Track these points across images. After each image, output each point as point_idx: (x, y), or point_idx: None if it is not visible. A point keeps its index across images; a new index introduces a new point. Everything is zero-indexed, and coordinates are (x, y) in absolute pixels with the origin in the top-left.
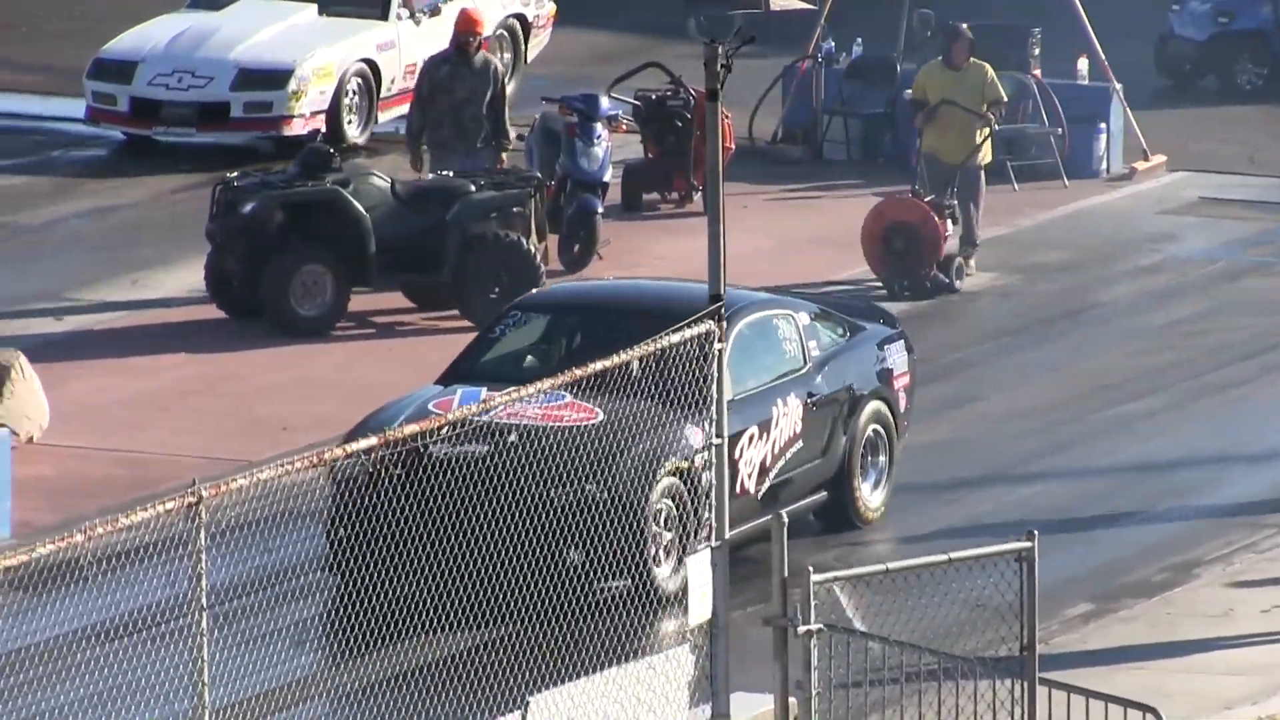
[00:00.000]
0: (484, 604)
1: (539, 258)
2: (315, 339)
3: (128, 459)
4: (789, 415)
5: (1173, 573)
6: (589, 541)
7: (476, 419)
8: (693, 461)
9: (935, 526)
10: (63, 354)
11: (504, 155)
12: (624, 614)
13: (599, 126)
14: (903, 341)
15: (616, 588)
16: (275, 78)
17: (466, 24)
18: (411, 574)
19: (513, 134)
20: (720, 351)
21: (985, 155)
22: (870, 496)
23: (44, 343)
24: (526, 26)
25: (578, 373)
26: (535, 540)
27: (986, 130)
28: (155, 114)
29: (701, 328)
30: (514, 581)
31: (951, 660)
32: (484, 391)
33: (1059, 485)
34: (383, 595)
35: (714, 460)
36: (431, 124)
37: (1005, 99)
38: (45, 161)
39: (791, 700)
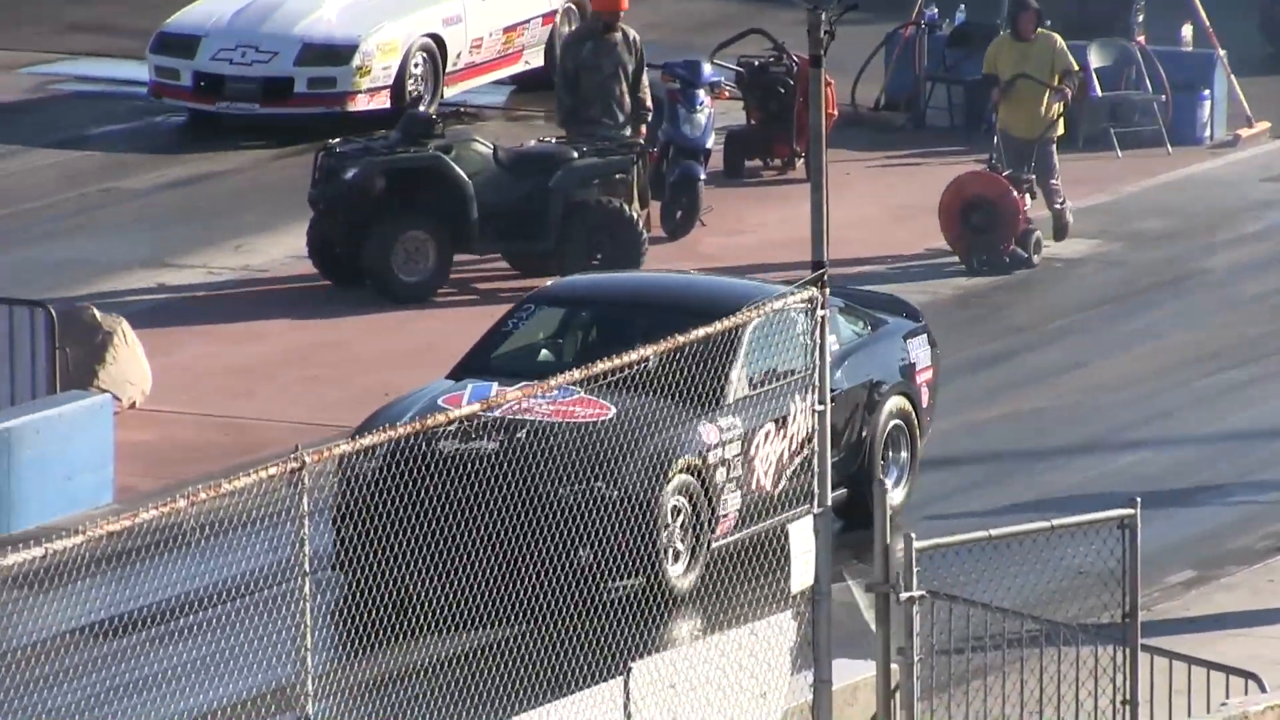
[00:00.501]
0: (493, 603)
1: (641, 224)
2: (417, 305)
3: (229, 425)
4: (806, 411)
5: (1275, 540)
6: (599, 539)
7: (486, 415)
8: (706, 459)
9: (1037, 494)
10: (165, 320)
11: (644, 127)
12: (636, 613)
13: (702, 93)
14: (926, 336)
15: (628, 586)
16: (339, 53)
17: (611, 1)
18: (419, 572)
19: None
20: (824, 319)
21: (1058, 128)
22: (892, 493)
23: (147, 309)
24: None
25: (595, 368)
26: (545, 538)
27: (1061, 103)
28: (218, 89)
29: (806, 294)
30: (523, 580)
31: (1053, 627)
32: (495, 387)
33: (1161, 453)
34: (391, 593)
35: (818, 427)
36: (580, 103)
37: (1076, 68)
38: (148, 127)
39: (893, 666)
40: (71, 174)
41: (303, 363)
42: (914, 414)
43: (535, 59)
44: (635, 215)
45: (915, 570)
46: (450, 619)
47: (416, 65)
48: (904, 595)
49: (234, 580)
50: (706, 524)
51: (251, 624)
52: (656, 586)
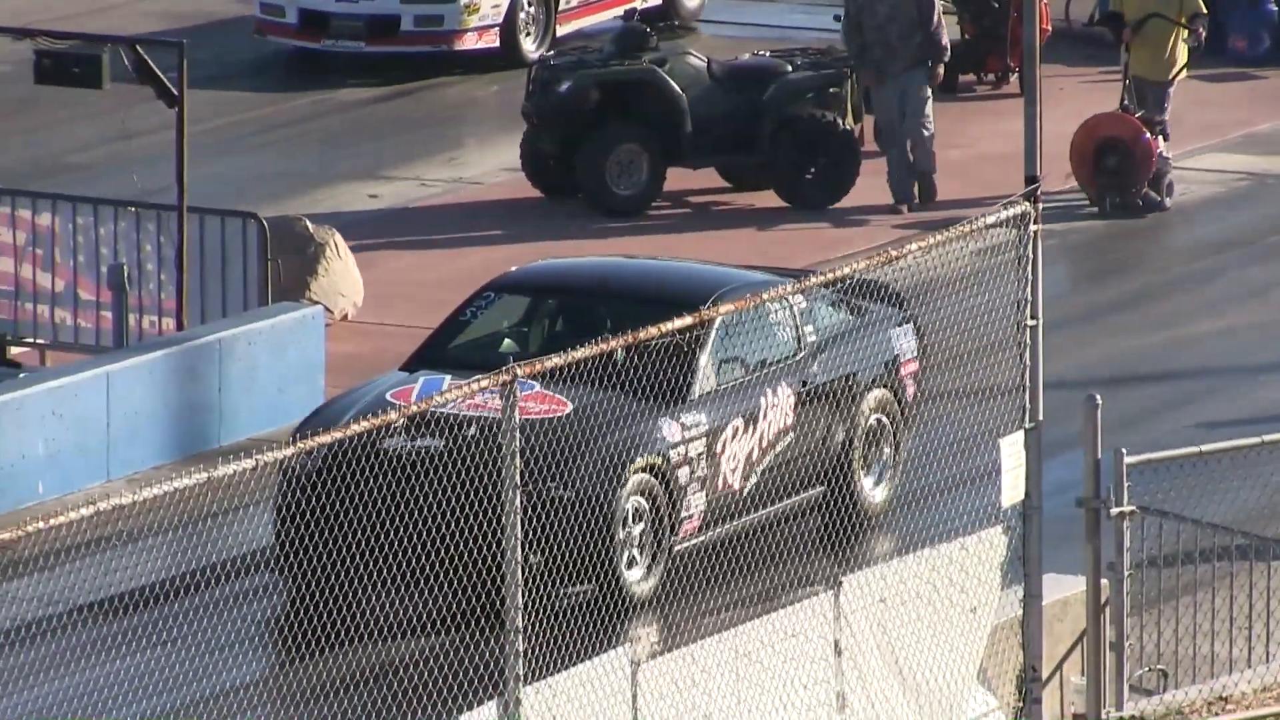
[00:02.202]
0: (438, 608)
1: (854, 139)
2: (630, 218)
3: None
4: (779, 406)
5: None
6: (551, 543)
7: (433, 410)
8: (668, 457)
9: (1242, 412)
10: (377, 232)
11: (940, 70)
12: (591, 620)
13: None
14: (912, 325)
15: (581, 593)
16: None
17: None
18: (362, 575)
19: (947, 46)
20: (1035, 234)
21: (1183, 70)
22: (873, 491)
23: (359, 220)
24: None
25: (547, 362)
26: (493, 541)
27: (1189, 45)
28: (324, 27)
29: (1018, 209)
30: (471, 585)
31: (1263, 543)
32: (448, 380)
33: None
34: (332, 597)
35: (1029, 342)
36: (867, 44)
37: (1205, 11)
38: None
39: (1103, 581)
40: (284, 84)
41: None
42: (898, 408)
43: None
44: (848, 129)
45: (1126, 485)
46: (394, 624)
47: (526, 4)
48: (1114, 510)
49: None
50: (668, 526)
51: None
52: (613, 593)
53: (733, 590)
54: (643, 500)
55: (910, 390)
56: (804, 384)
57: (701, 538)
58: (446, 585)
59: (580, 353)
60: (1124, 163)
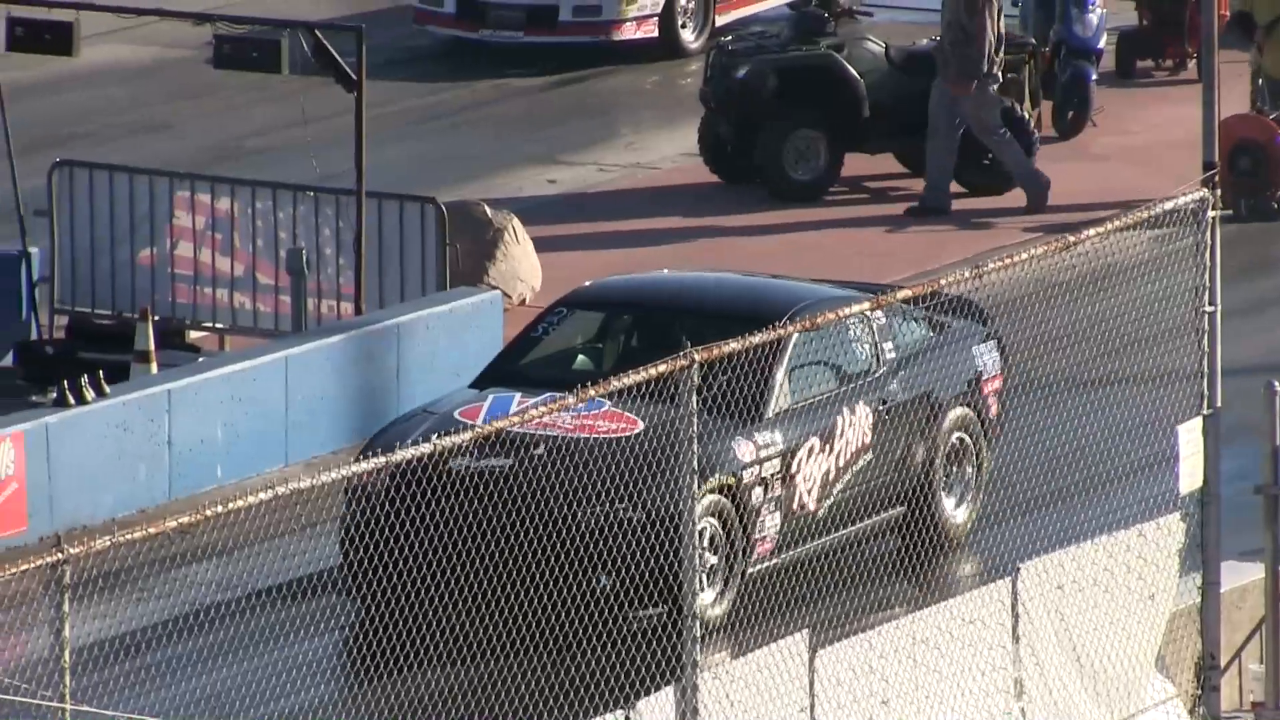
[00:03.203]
0: (507, 631)
1: (1033, 124)
2: (808, 203)
3: None
4: (856, 425)
5: None
6: (621, 565)
7: (503, 430)
8: (741, 477)
9: None
10: (555, 217)
11: (983, 89)
12: (660, 645)
13: None
14: (995, 342)
15: (651, 616)
16: None
17: None
18: (430, 598)
19: (985, 67)
20: (1214, 220)
21: None
22: (955, 511)
23: (537, 205)
24: None
25: (618, 382)
26: (563, 563)
27: None
28: (482, 16)
29: (1196, 194)
30: (541, 607)
31: None
32: (517, 398)
33: None
34: (400, 620)
35: (1207, 328)
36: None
37: None
38: None
39: None
40: (447, 73)
41: (693, 260)
42: (980, 426)
43: None
44: (1026, 115)
45: None
46: (462, 647)
47: None
48: None
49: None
50: (740, 548)
51: None
52: (683, 616)
53: (809, 614)
54: (715, 521)
55: (993, 408)
56: (883, 402)
57: (776, 560)
58: (515, 606)
59: (654, 370)
60: (1258, 165)
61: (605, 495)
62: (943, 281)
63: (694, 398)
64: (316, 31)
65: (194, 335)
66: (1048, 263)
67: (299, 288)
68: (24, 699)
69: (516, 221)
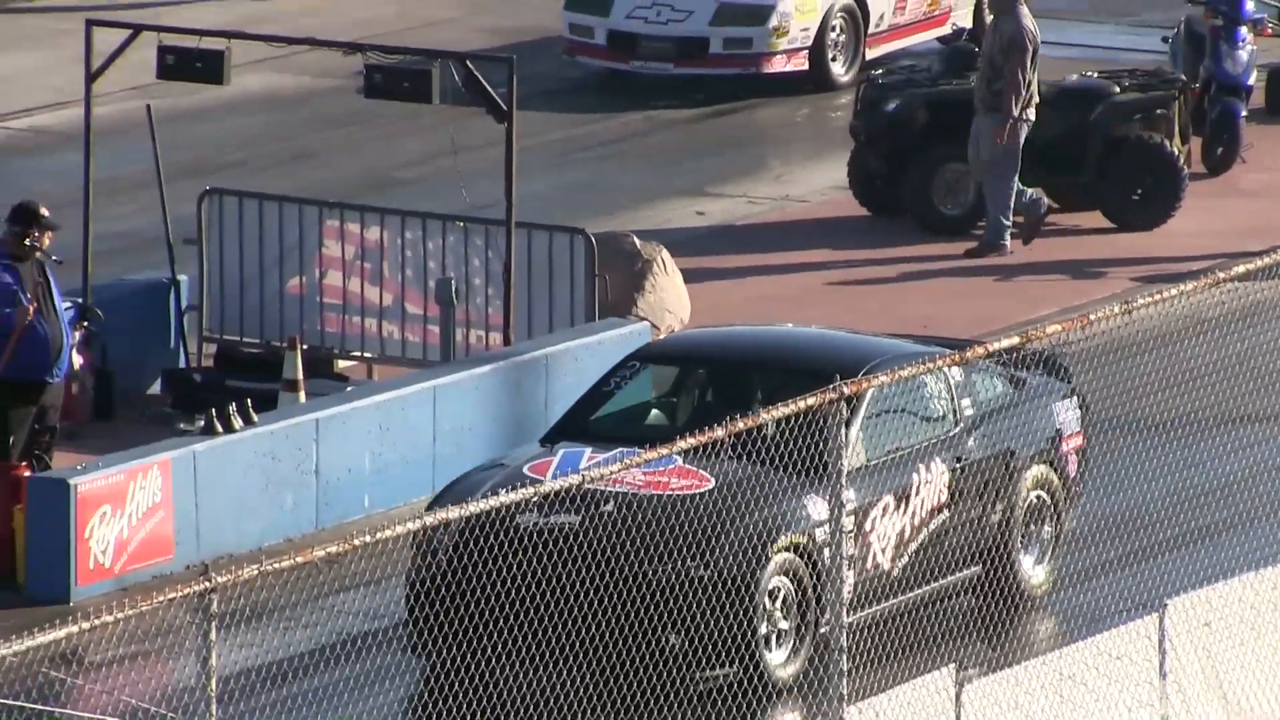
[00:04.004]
0: (575, 690)
1: (1182, 161)
2: (956, 237)
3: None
4: (932, 483)
5: None
6: (691, 624)
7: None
8: (813, 536)
9: None
10: (704, 249)
11: (1009, 129)
12: (730, 705)
13: (1244, 30)
14: (1076, 399)
15: (721, 676)
16: (756, 13)
17: None
18: (498, 656)
19: (1017, 111)
20: None
21: None
22: (1033, 571)
23: (686, 237)
24: None
25: (688, 441)
26: (631, 622)
27: None
28: (632, 48)
29: None
30: (608, 666)
31: None
32: (587, 454)
33: None
34: (468, 679)
35: None
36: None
37: None
38: None
39: None
40: (597, 103)
41: (841, 292)
42: (1059, 485)
43: (963, 20)
44: (1176, 151)
45: None
46: (529, 706)
47: (835, 27)
48: None
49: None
50: (814, 607)
51: None
52: (753, 677)
53: (883, 673)
54: (787, 580)
55: (1073, 466)
56: (959, 460)
57: (849, 619)
58: (582, 664)
59: (725, 429)
60: None
61: (674, 553)
62: (1092, 317)
63: (843, 431)
64: (468, 62)
65: (342, 364)
66: (1197, 299)
67: (448, 317)
68: None
69: (665, 253)
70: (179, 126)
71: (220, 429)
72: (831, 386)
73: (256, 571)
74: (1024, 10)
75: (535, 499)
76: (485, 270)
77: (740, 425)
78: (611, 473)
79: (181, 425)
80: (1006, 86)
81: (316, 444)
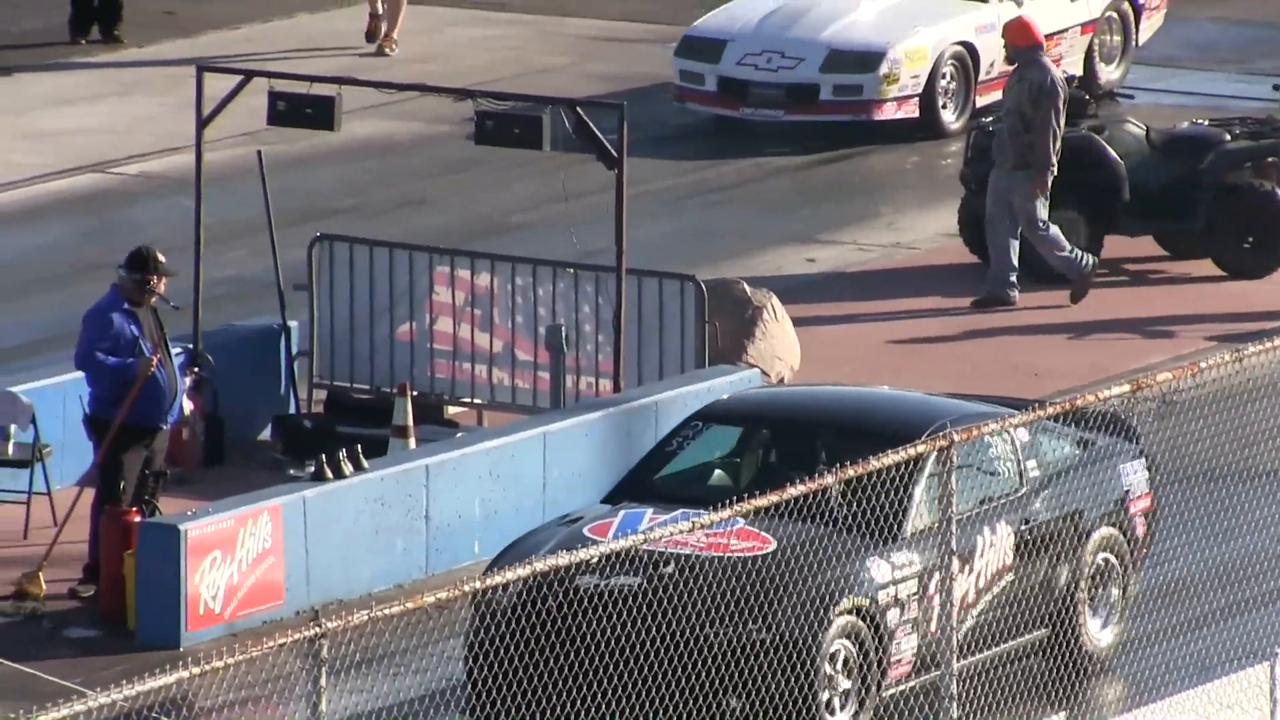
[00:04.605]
0: None
1: None
2: (1067, 285)
3: None
4: (996, 545)
5: None
6: (751, 688)
7: (632, 547)
8: (876, 599)
9: None
10: (814, 295)
11: (1041, 187)
12: None
13: None
14: (1144, 460)
15: None
16: (866, 60)
17: (1009, 32)
18: (555, 717)
19: (1046, 161)
20: None
21: None
22: (1100, 634)
23: (796, 284)
24: (1138, 8)
25: (749, 504)
26: (691, 685)
27: None
28: (743, 95)
29: None
30: None
31: None
32: (649, 514)
33: None
34: None
35: None
36: (995, 131)
37: None
38: None
39: None
40: (707, 150)
41: (953, 339)
42: (1126, 547)
43: (1074, 68)
44: None
45: None
46: None
47: (945, 75)
48: None
49: None
50: (876, 670)
51: None
52: None
53: None
54: (849, 643)
55: (1140, 528)
56: (1025, 522)
57: (912, 682)
58: None
59: (790, 492)
60: None
61: (735, 615)
62: (1203, 365)
63: (953, 479)
64: (578, 108)
65: (452, 411)
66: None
67: (558, 364)
68: None
69: (776, 300)
70: (289, 173)
71: (330, 475)
72: (910, 445)
73: (366, 617)
74: (1047, 59)
75: (596, 560)
76: (595, 317)
77: (803, 488)
78: (672, 534)
79: (292, 471)
80: (1041, 137)
81: (427, 490)
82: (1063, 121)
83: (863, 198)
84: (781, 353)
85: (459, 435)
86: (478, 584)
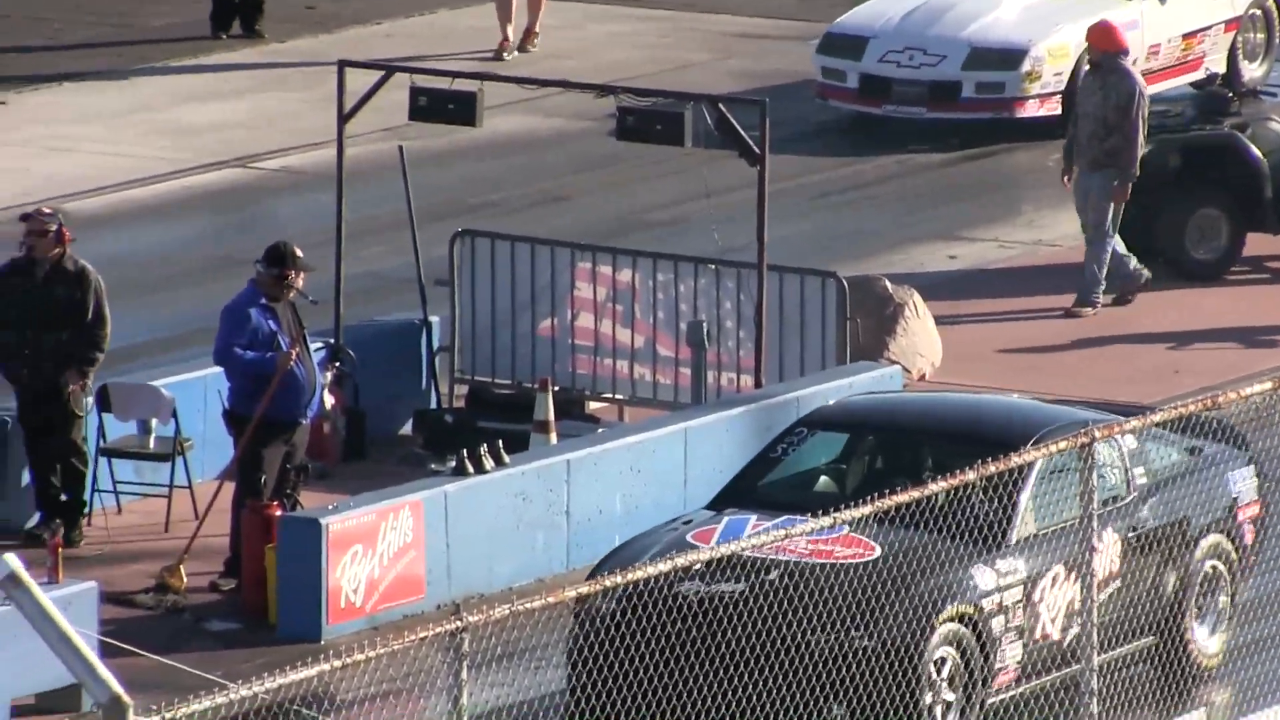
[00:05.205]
0: None
1: None
2: (1208, 283)
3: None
4: (1103, 552)
5: None
6: (855, 695)
7: (736, 554)
8: (980, 606)
9: None
10: (955, 292)
11: (1123, 194)
12: None
13: None
14: (1253, 467)
15: None
16: (1008, 58)
17: (1094, 35)
18: None
19: (1132, 167)
20: None
21: None
22: (1207, 642)
23: (937, 281)
24: None
25: (854, 511)
26: (794, 693)
27: None
28: (885, 92)
29: None
30: None
31: None
32: (753, 521)
33: None
34: None
35: None
36: (1074, 135)
37: None
38: None
39: None
40: (849, 147)
41: (1090, 337)
42: (1234, 555)
43: (1217, 65)
44: None
45: None
46: None
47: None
48: None
49: None
50: (980, 678)
51: None
52: None
53: None
54: (953, 651)
55: (1249, 536)
56: (1132, 529)
57: (1017, 690)
58: None
59: (895, 499)
60: None
61: (839, 623)
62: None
63: (1093, 475)
64: (720, 105)
65: (593, 406)
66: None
67: (699, 360)
68: None
69: (917, 296)
70: (430, 168)
71: (471, 470)
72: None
73: (508, 611)
74: (1130, 64)
75: (699, 567)
76: (737, 313)
77: (908, 495)
78: (775, 540)
79: (433, 466)
80: (1128, 145)
81: (568, 485)
82: (1146, 129)
83: (1004, 195)
84: (923, 349)
85: (600, 430)
86: (577, 591)
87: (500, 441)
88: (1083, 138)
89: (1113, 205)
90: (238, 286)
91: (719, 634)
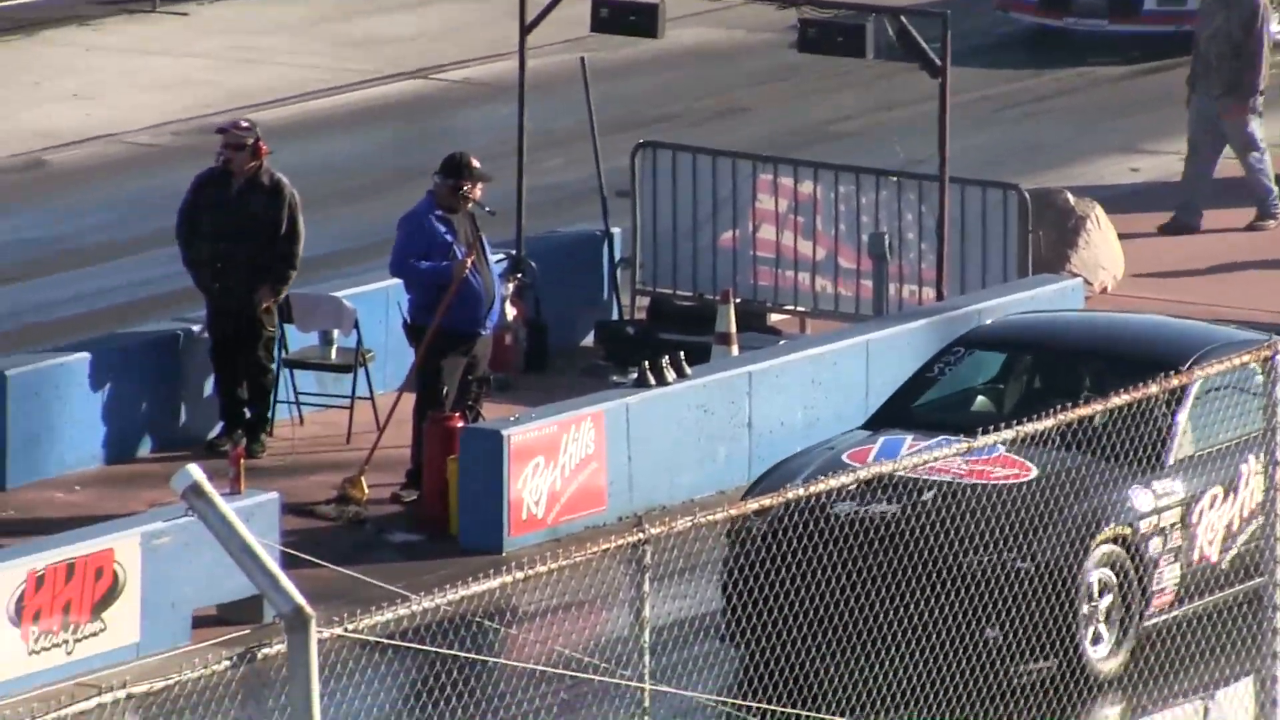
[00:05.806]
0: (891, 683)
1: None
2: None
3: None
4: (1261, 474)
5: None
6: (1010, 617)
7: (892, 474)
8: (1137, 528)
9: None
10: (1138, 205)
11: (1250, 110)
12: (1050, 699)
13: None
14: None
15: (1041, 670)
16: None
17: None
18: (813, 648)
19: (1259, 85)
20: None
21: None
22: None
23: (1119, 194)
24: None
25: (1018, 429)
26: (949, 614)
27: None
28: (1065, 4)
29: None
30: (924, 660)
31: None
32: (908, 441)
33: None
34: (784, 670)
35: None
36: (1196, 57)
37: None
38: None
39: None
40: (1028, 60)
41: (1268, 257)
42: None
43: None
44: None
45: None
46: (847, 700)
47: None
48: None
49: None
50: (1137, 601)
51: None
52: (1074, 670)
53: (1210, 670)
54: (1110, 572)
55: None
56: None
57: (1175, 613)
58: (899, 657)
59: (1053, 419)
60: None
61: (995, 544)
62: None
63: (1277, 388)
64: (902, 17)
65: (775, 318)
66: None
67: (880, 272)
68: (604, 678)
69: (1099, 209)
70: (612, 80)
71: (653, 381)
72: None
73: (690, 524)
74: None
75: (854, 486)
76: (918, 225)
77: (1067, 416)
78: (932, 461)
79: (614, 378)
80: (1252, 64)
81: (749, 397)
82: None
83: (1184, 108)
84: (1105, 262)
85: (781, 343)
86: (735, 511)
87: (682, 353)
88: (1213, 58)
89: (1251, 124)
90: (419, 198)
91: (873, 555)
